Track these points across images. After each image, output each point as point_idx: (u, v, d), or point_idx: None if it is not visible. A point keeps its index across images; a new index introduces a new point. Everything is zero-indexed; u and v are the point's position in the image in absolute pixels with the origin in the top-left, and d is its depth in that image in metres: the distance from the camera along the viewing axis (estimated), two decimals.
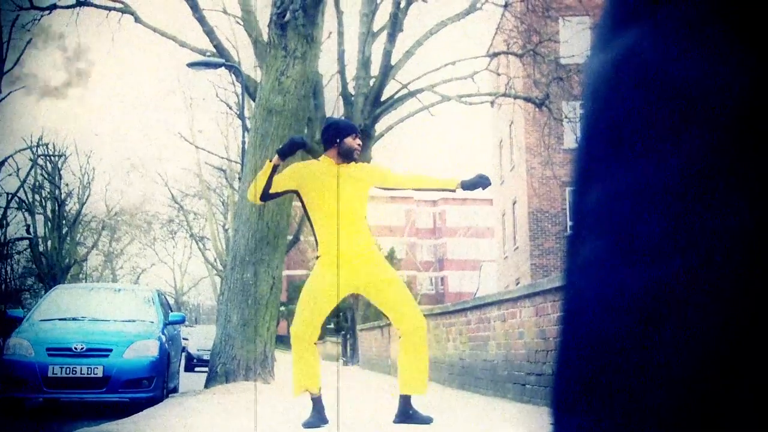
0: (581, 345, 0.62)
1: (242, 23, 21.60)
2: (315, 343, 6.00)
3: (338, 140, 6.04)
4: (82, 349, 10.19)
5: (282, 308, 45.76)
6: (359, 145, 6.08)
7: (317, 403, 6.04)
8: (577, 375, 0.62)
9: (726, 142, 0.57)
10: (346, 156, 6.03)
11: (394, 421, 6.08)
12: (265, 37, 13.47)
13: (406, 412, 6.04)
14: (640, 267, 0.58)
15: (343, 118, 23.18)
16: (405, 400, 6.06)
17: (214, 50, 21.00)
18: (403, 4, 22.97)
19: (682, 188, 0.58)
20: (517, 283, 32.73)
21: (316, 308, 5.94)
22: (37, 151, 47.49)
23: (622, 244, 0.60)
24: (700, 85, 0.58)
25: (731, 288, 0.55)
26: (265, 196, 6.01)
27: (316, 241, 6.13)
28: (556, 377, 0.65)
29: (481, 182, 6.08)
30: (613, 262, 0.60)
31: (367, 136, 22.49)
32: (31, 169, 48.12)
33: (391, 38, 23.15)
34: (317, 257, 6.11)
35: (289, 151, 5.93)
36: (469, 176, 6.13)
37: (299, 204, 6.26)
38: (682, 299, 0.56)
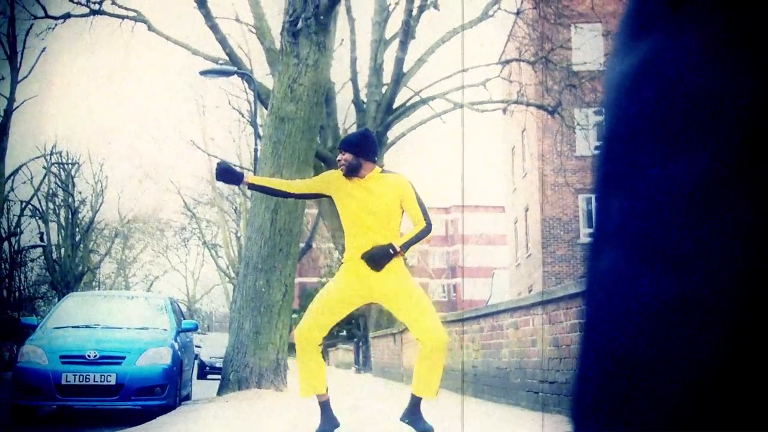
0: (602, 352, 0.62)
1: (255, 31, 21.68)
2: (320, 345, 6.04)
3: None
4: (95, 356, 10.20)
5: (294, 316, 45.77)
6: (338, 159, 6.15)
7: (326, 407, 6.05)
8: (597, 382, 0.62)
9: (746, 149, 0.57)
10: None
11: (400, 419, 6.09)
12: (278, 45, 13.50)
13: (412, 414, 6.06)
14: (661, 274, 0.59)
15: (354, 128, 23.28)
16: (415, 402, 6.08)
17: (227, 58, 21.07)
18: (415, 12, 23.00)
19: (703, 196, 0.58)
20: (530, 291, 32.66)
21: (328, 311, 5.98)
22: (50, 159, 47.71)
23: (643, 251, 0.60)
24: (719, 92, 0.58)
25: (753, 295, 0.55)
26: (269, 191, 6.35)
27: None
28: (575, 384, 0.65)
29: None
30: (634, 268, 0.60)
31: (378, 143, 22.49)
32: (44, 177, 48.35)
33: (403, 46, 23.18)
34: (342, 263, 6.22)
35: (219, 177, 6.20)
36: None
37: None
38: (704, 306, 0.56)
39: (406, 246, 6.01)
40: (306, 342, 5.97)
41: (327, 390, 6.08)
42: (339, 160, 6.12)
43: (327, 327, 6.02)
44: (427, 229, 6.06)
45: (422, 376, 6.01)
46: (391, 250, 5.91)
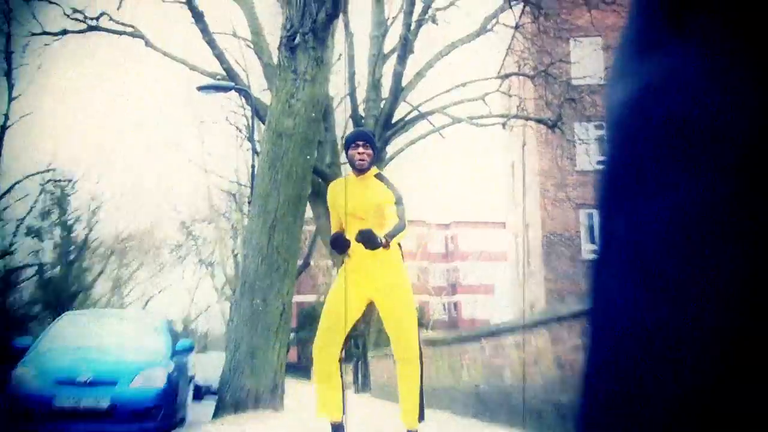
0: (606, 372, 0.62)
1: (252, 46, 21.59)
2: (339, 360, 5.82)
3: (346, 153, 6.07)
4: (88, 379, 9.97)
5: (292, 335, 45.47)
6: (360, 153, 5.96)
7: (338, 430, 5.84)
8: (602, 402, 0.62)
9: (750, 168, 0.57)
10: (353, 166, 6.01)
11: None
12: (275, 60, 13.35)
13: None
14: (666, 293, 0.59)
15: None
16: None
17: (224, 73, 20.93)
18: (413, 27, 22.87)
19: (707, 215, 0.58)
20: (532, 308, 32.46)
21: (338, 323, 5.78)
22: (45, 176, 47.52)
23: (648, 270, 0.60)
24: (723, 110, 0.58)
25: (757, 315, 0.55)
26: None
27: None
28: (580, 405, 0.65)
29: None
30: (638, 288, 0.61)
31: (377, 158, 22.35)
32: (39, 195, 48.13)
33: (402, 60, 23.05)
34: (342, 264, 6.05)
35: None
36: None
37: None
38: (710, 327, 0.56)
39: (391, 236, 5.70)
40: (324, 361, 5.80)
41: (342, 414, 5.86)
42: (362, 154, 5.94)
43: (341, 341, 5.83)
44: (402, 226, 5.79)
45: (401, 401, 5.86)
46: (379, 239, 5.57)
